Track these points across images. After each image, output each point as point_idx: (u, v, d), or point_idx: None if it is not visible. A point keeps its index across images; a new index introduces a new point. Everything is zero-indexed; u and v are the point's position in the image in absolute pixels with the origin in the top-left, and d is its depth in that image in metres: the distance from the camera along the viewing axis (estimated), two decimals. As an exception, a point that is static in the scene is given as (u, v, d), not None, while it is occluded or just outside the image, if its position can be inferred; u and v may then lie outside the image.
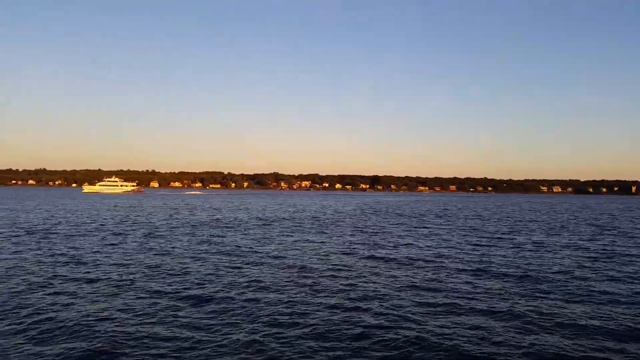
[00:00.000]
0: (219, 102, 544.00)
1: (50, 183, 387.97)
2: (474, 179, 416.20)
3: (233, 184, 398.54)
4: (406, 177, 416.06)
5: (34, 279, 17.42)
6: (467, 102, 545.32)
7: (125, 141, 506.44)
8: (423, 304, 14.61)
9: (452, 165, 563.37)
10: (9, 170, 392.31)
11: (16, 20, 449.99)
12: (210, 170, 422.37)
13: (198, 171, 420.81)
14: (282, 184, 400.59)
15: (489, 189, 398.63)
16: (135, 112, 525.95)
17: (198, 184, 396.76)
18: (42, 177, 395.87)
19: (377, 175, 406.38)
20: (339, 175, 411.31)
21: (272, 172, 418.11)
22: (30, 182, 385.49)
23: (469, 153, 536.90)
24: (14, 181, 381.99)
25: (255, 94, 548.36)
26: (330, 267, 20.92)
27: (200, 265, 20.70)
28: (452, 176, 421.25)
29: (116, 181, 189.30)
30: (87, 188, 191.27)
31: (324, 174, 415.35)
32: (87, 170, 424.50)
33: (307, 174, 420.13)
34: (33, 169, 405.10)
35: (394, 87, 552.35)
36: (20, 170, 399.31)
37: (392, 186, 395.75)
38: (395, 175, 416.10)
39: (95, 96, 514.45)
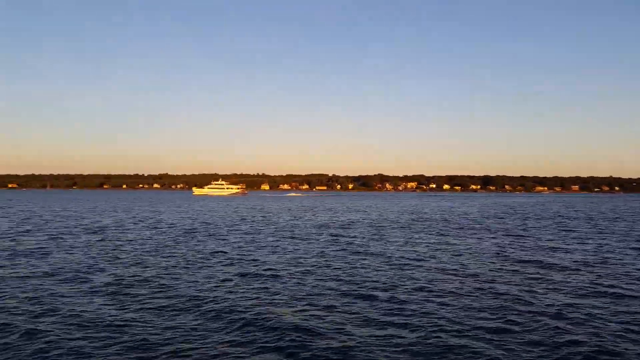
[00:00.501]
0: (330, 103, 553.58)
1: (173, 186, 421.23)
2: (598, 177, 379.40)
3: (338, 186, 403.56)
4: (521, 176, 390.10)
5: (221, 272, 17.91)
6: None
7: (238, 147, 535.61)
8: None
9: (574, 161, 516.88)
10: (136, 175, 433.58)
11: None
12: (316, 173, 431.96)
13: (305, 174, 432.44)
14: (387, 185, 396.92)
15: (616, 188, 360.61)
16: (245, 119, 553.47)
17: (305, 186, 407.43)
18: (165, 181, 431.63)
19: (488, 175, 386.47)
20: (446, 176, 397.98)
21: (377, 173, 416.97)
22: (155, 185, 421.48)
23: (590, 148, 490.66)
24: (141, 185, 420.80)
25: (360, 96, 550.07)
26: (493, 270, 19.18)
27: (360, 265, 20.08)
28: (573, 175, 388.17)
29: (222, 184, 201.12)
30: (197, 191, 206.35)
31: (430, 175, 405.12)
32: (204, 174, 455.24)
33: (412, 175, 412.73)
34: (157, 173, 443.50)
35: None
36: (146, 175, 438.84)
37: (506, 186, 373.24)
38: (509, 174, 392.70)
39: (210, 107, 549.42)
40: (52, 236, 31.56)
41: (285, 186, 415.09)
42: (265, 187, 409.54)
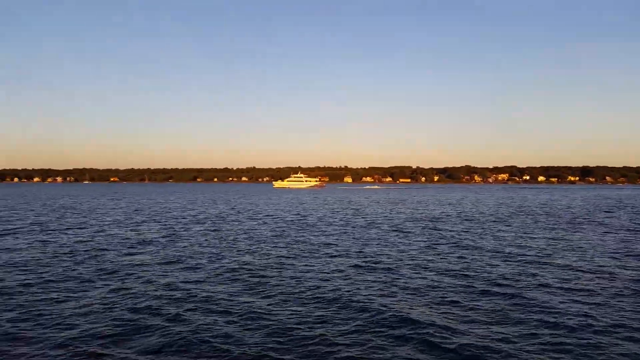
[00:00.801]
0: (412, 93, 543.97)
1: (260, 180, 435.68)
2: None
3: (423, 178, 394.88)
4: (624, 167, 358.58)
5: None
6: None
7: (320, 140, 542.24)
8: None
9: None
10: (226, 169, 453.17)
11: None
12: (399, 165, 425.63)
13: (387, 166, 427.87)
14: (476, 177, 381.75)
15: None
16: (326, 112, 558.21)
17: (388, 179, 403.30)
18: (253, 174, 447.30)
19: (587, 166, 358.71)
20: (541, 167, 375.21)
21: (463, 165, 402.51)
22: (243, 178, 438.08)
23: None
24: (230, 178, 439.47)
25: (444, 84, 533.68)
26: (628, 268, 17.62)
27: (472, 260, 19.38)
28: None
29: (301, 177, 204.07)
30: (277, 184, 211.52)
31: (523, 166, 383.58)
32: (289, 167, 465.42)
33: (502, 166, 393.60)
34: (245, 167, 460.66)
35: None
36: (235, 168, 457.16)
37: (607, 178, 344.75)
38: (610, 165, 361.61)
39: (293, 103, 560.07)
40: (166, 226, 33.78)
41: (368, 179, 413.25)
42: (348, 179, 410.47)
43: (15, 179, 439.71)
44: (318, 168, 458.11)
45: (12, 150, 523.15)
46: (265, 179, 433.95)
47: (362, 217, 42.29)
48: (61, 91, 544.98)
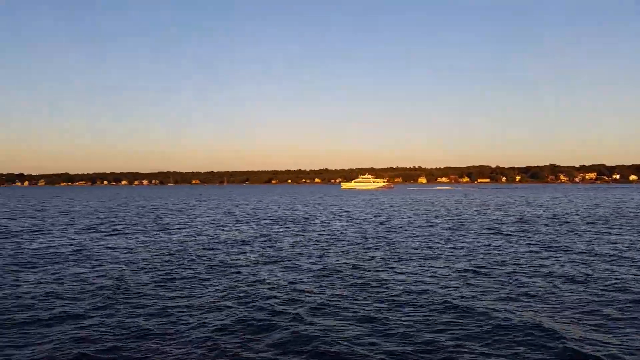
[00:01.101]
0: (491, 88, 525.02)
1: (332, 181, 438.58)
2: None
3: (504, 178, 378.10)
4: None
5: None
6: None
7: (394, 140, 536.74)
8: None
9: None
10: (299, 171, 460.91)
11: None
12: (476, 165, 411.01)
13: (464, 166, 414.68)
14: (561, 177, 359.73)
15: None
16: (400, 110, 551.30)
17: (465, 179, 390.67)
18: (325, 175, 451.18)
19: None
20: (633, 165, 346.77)
21: (547, 164, 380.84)
22: (317, 180, 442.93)
23: None
24: (303, 180, 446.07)
25: (529, 78, 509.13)
26: None
27: (593, 266, 18.11)
28: None
29: (369, 178, 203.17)
30: (344, 185, 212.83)
31: (612, 164, 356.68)
32: (361, 168, 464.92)
33: (590, 164, 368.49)
34: (317, 169, 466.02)
35: None
36: (308, 170, 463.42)
37: None
38: None
39: (364, 101, 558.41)
40: (259, 227, 34.77)
41: (444, 179, 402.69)
42: (422, 180, 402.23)
43: (105, 182, 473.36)
44: (390, 169, 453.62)
45: (101, 154, 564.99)
46: (337, 180, 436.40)
47: (448, 219, 41.10)
48: (146, 97, 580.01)
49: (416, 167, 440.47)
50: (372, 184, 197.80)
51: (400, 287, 14.94)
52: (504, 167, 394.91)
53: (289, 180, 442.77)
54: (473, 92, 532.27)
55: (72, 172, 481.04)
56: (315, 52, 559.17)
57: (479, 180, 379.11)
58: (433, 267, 18.36)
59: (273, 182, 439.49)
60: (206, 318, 11.85)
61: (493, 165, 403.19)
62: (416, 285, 15.18)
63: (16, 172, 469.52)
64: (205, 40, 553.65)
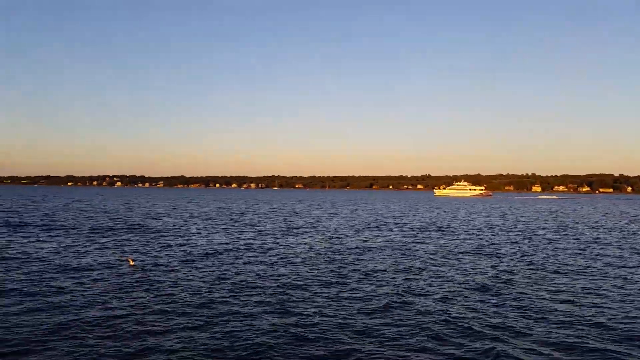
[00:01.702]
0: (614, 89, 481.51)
1: (435, 187, 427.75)
2: None
3: (629, 188, 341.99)
4: None
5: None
6: None
7: (502, 143, 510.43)
8: None
9: None
10: (400, 177, 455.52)
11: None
12: (597, 173, 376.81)
13: (583, 174, 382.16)
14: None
15: None
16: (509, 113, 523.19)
17: (585, 188, 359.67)
18: (428, 182, 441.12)
19: None
20: None
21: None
22: (419, 186, 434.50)
23: None
24: (405, 186, 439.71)
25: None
26: None
27: None
28: None
29: (465, 185, 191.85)
30: (438, 192, 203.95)
31: None
32: (467, 175, 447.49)
33: None
34: (420, 175, 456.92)
35: None
36: (409, 176, 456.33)
37: None
38: None
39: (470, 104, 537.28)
40: (398, 233, 34.15)
41: (561, 188, 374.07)
42: (537, 188, 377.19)
43: (217, 185, 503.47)
44: (501, 175, 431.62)
45: (208, 159, 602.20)
46: (442, 187, 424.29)
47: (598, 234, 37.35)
48: (258, 105, 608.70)
49: (529, 174, 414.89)
50: (469, 191, 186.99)
51: (601, 311, 13.38)
52: (629, 176, 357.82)
53: (390, 186, 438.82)
54: (581, 93, 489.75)
55: (187, 175, 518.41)
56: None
57: (600, 190, 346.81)
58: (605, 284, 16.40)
59: (374, 187, 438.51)
60: (367, 322, 11.36)
61: (616, 174, 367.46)
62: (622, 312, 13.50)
63: (137, 175, 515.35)
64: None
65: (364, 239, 30.26)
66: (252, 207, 75.52)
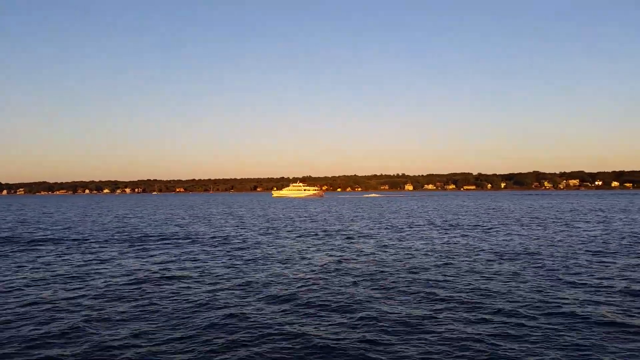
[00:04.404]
0: (472, 94, 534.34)
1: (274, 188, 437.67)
2: None
3: (489, 185, 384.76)
4: None
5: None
6: None
7: (379, 147, 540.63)
8: None
9: None
10: (282, 179, 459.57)
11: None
12: (460, 172, 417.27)
13: (447, 172, 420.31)
14: (546, 183, 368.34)
15: None
16: (381, 118, 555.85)
17: (451, 186, 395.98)
18: (310, 183, 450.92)
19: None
20: (613, 172, 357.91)
21: (531, 170, 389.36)
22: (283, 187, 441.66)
23: None
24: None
25: (507, 83, 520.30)
26: None
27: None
28: None
29: (300, 186, 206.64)
30: (275, 193, 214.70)
31: (593, 171, 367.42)
32: (345, 175, 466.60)
33: (570, 171, 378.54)
34: (301, 176, 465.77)
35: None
36: (292, 177, 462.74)
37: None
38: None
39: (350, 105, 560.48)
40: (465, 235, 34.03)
41: (430, 186, 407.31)
42: (409, 187, 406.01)
43: (87, 191, 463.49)
44: (375, 176, 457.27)
45: (80, 162, 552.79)
46: (324, 188, 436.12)
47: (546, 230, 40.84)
48: (128, 104, 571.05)
49: (400, 174, 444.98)
50: (304, 192, 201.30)
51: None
52: (487, 174, 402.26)
53: (275, 188, 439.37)
54: (457, 97, 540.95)
55: (51, 181, 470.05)
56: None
57: (465, 187, 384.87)
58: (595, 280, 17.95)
59: (258, 189, 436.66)
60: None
61: (474, 172, 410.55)
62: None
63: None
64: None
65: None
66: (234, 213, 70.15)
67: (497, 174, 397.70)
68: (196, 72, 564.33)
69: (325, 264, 22.11)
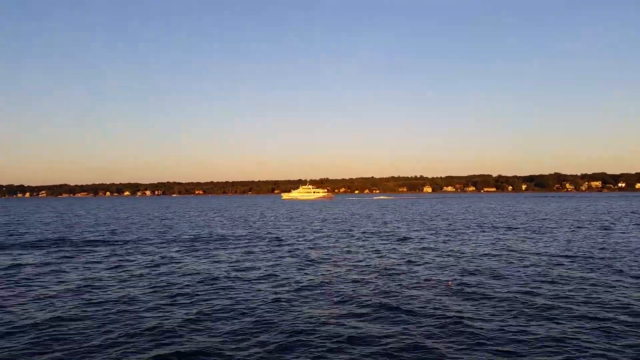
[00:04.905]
0: (491, 95, 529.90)
1: (336, 190, 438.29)
2: None
3: (510, 187, 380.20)
4: None
5: None
6: None
7: (396, 149, 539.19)
8: None
9: None
10: (300, 181, 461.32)
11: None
12: (478, 174, 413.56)
13: (466, 175, 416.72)
14: (567, 185, 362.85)
15: None
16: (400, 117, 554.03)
17: (471, 188, 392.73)
18: (327, 185, 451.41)
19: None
20: (637, 174, 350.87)
21: (552, 172, 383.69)
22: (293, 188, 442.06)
23: None
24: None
25: (527, 85, 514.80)
26: None
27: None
28: None
29: (309, 188, 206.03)
30: (285, 195, 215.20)
31: (617, 172, 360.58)
32: (362, 177, 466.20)
33: (592, 173, 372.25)
34: (318, 178, 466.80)
35: None
36: (309, 180, 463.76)
37: None
38: None
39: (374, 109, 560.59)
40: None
41: (449, 188, 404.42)
42: (428, 189, 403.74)
43: (107, 193, 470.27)
44: (392, 178, 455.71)
45: (102, 165, 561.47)
46: (342, 190, 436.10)
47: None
48: (152, 106, 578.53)
49: (419, 176, 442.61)
50: (313, 194, 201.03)
51: None
52: (507, 176, 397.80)
53: (292, 190, 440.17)
54: (474, 98, 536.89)
55: (71, 183, 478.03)
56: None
57: (485, 189, 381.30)
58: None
59: (276, 192, 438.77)
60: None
61: (494, 174, 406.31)
62: None
63: (16, 184, 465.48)
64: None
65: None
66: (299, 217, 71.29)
67: (518, 175, 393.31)
68: (214, 75, 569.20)
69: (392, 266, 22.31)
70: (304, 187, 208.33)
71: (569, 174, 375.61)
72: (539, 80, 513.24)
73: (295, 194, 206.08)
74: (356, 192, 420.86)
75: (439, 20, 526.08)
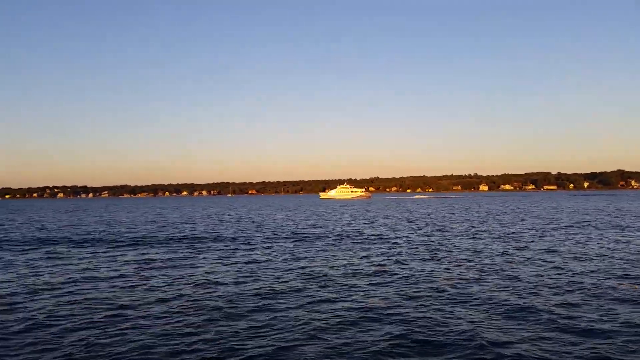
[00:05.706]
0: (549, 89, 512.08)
1: (387, 189, 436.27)
2: None
3: (571, 185, 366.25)
4: None
5: None
6: None
7: (447, 146, 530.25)
8: None
9: None
10: (348, 180, 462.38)
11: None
12: (536, 171, 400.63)
13: (523, 172, 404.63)
14: (633, 182, 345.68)
15: None
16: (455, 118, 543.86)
17: (530, 186, 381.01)
18: (379, 185, 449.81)
19: None
20: None
21: (615, 169, 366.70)
22: (371, 189, 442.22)
23: None
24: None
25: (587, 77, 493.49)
26: None
27: None
28: None
29: (347, 187, 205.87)
30: (323, 195, 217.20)
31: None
32: (414, 177, 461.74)
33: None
34: (368, 177, 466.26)
35: None
36: (359, 179, 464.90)
37: None
38: None
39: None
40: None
41: (507, 186, 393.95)
42: (484, 188, 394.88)
43: (166, 193, 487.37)
44: (445, 177, 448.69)
45: (159, 166, 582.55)
46: (393, 189, 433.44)
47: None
48: (204, 111, 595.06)
49: (473, 174, 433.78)
50: (351, 193, 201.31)
51: None
52: (567, 173, 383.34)
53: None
54: (530, 92, 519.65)
55: (132, 184, 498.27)
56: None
57: (545, 187, 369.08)
58: None
59: (326, 190, 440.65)
60: None
61: (554, 172, 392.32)
62: None
63: (79, 185, 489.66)
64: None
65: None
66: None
67: (578, 172, 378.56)
68: (267, 80, 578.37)
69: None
70: (341, 186, 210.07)
71: (632, 170, 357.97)
72: (603, 71, 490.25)
73: (333, 194, 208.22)
74: (408, 190, 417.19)
75: (439, 20, 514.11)
